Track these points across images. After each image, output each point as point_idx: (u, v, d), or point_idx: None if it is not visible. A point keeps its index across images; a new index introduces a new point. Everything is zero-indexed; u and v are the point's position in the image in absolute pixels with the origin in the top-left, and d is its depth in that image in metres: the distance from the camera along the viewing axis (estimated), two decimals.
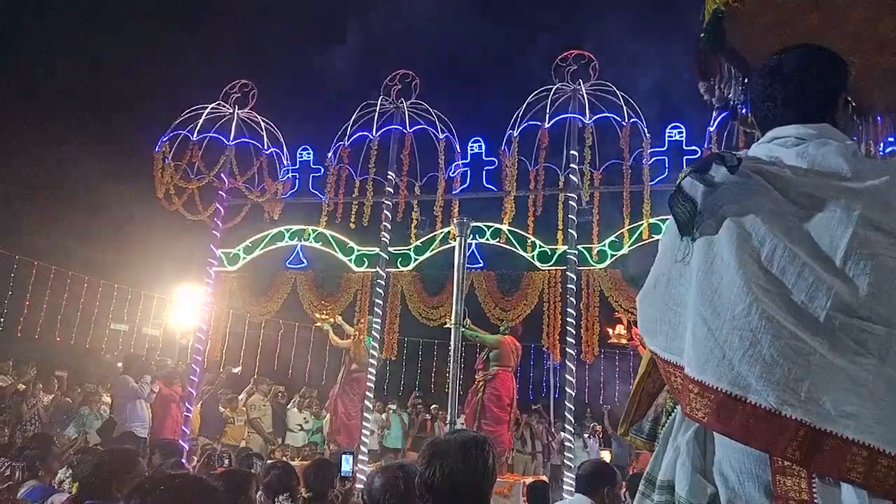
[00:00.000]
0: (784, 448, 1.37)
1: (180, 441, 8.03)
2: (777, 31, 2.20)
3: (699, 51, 2.24)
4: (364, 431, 8.55)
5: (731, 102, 2.39)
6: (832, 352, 1.37)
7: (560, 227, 7.90)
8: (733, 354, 1.44)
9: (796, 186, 1.55)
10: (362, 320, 8.85)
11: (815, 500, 1.35)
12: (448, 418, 6.46)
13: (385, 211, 8.62)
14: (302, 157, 9.16)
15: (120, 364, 14.24)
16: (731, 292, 1.47)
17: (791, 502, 1.37)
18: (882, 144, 2.50)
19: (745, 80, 2.26)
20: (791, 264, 1.45)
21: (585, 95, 7.85)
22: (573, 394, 7.76)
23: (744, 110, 2.43)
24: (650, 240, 7.60)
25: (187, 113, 8.92)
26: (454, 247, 6.54)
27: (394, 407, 12.48)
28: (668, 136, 7.66)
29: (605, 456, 12.91)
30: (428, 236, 8.69)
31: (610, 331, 7.86)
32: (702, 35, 2.16)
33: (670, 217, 1.67)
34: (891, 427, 1.31)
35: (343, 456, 4.61)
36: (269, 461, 5.77)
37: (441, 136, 8.31)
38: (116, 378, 8.92)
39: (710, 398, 1.46)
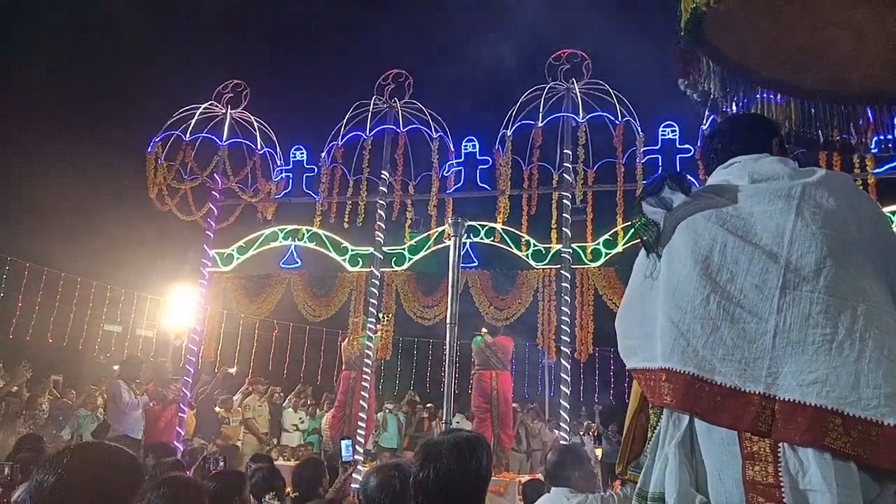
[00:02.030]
0: (751, 421, 1.48)
1: (174, 442, 8.01)
2: (755, 26, 2.24)
3: (679, 48, 2.30)
4: (359, 431, 8.54)
5: (711, 96, 2.45)
6: (788, 327, 1.49)
7: (554, 225, 7.90)
8: (696, 341, 1.58)
9: (741, 192, 1.73)
10: (357, 320, 8.87)
11: (781, 483, 1.43)
12: (444, 417, 6.46)
13: (379, 210, 8.60)
14: (295, 157, 9.12)
15: (116, 367, 14.18)
16: (689, 287, 1.63)
17: (759, 486, 1.45)
18: (874, 141, 2.52)
19: (724, 74, 2.35)
20: (742, 254, 1.60)
21: (579, 94, 7.85)
22: (568, 392, 7.77)
23: (724, 106, 2.50)
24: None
25: (180, 113, 8.88)
26: (448, 246, 6.53)
27: (390, 406, 12.46)
28: (662, 135, 7.67)
29: (598, 454, 13.04)
30: (422, 236, 8.68)
31: None
32: (681, 33, 2.22)
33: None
34: (848, 390, 1.41)
35: (343, 442, 4.57)
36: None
37: (435, 135, 8.30)
38: (112, 382, 8.83)
39: (675, 381, 1.58)
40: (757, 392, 1.48)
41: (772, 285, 1.53)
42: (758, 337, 1.51)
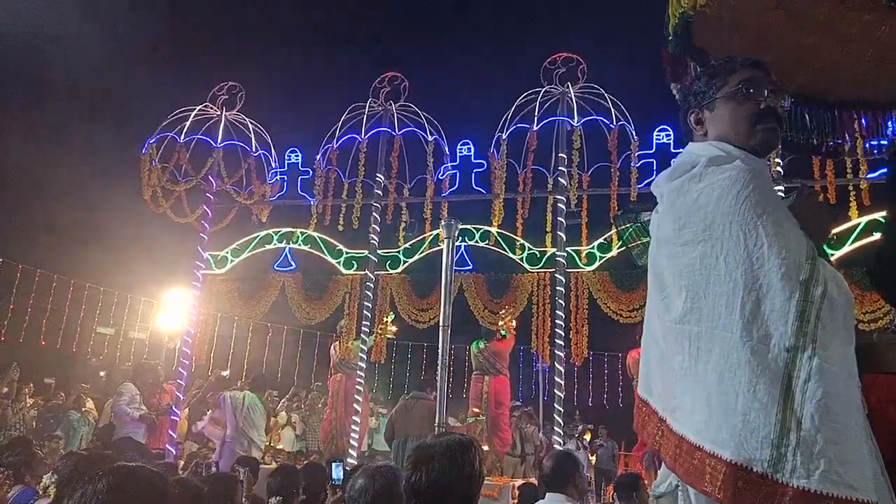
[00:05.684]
0: (650, 437, 1.64)
1: (168, 446, 7.97)
2: (742, 30, 2.25)
3: (668, 53, 2.31)
4: (352, 435, 8.52)
5: None
6: (670, 355, 1.60)
7: (548, 229, 7.91)
8: (643, 367, 1.75)
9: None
10: (345, 322, 8.88)
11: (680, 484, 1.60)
12: (437, 420, 6.43)
13: (374, 213, 8.59)
14: (290, 160, 9.11)
15: (102, 373, 14.08)
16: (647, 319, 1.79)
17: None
18: (867, 145, 2.52)
19: None
20: (656, 284, 1.69)
21: (574, 98, 7.87)
22: (562, 396, 7.77)
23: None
24: (638, 242, 7.62)
25: (175, 115, 8.85)
26: (443, 249, 6.52)
27: (384, 411, 12.43)
28: (656, 139, 7.69)
29: (592, 459, 13.01)
30: (417, 239, 8.68)
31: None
32: (669, 38, 2.24)
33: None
34: (694, 417, 1.48)
35: (332, 464, 4.56)
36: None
37: (430, 138, 8.30)
38: (123, 384, 8.66)
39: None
40: (658, 414, 1.62)
41: (657, 313, 1.66)
42: (657, 362, 1.65)
